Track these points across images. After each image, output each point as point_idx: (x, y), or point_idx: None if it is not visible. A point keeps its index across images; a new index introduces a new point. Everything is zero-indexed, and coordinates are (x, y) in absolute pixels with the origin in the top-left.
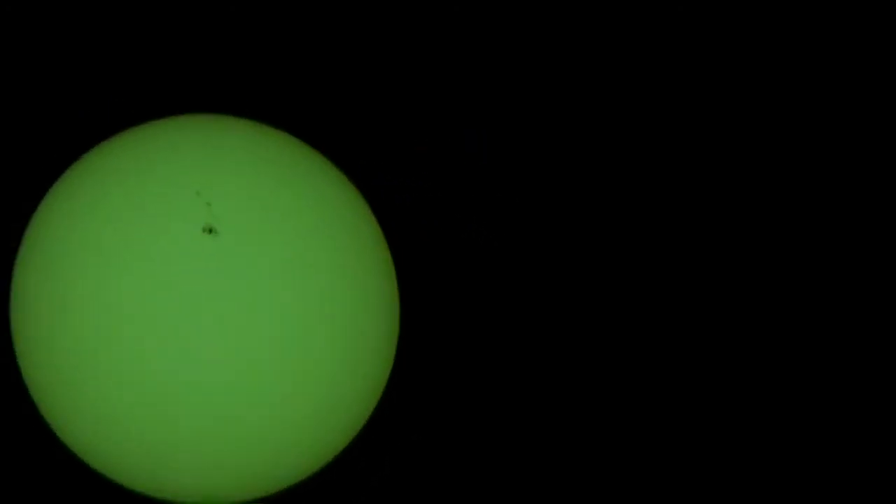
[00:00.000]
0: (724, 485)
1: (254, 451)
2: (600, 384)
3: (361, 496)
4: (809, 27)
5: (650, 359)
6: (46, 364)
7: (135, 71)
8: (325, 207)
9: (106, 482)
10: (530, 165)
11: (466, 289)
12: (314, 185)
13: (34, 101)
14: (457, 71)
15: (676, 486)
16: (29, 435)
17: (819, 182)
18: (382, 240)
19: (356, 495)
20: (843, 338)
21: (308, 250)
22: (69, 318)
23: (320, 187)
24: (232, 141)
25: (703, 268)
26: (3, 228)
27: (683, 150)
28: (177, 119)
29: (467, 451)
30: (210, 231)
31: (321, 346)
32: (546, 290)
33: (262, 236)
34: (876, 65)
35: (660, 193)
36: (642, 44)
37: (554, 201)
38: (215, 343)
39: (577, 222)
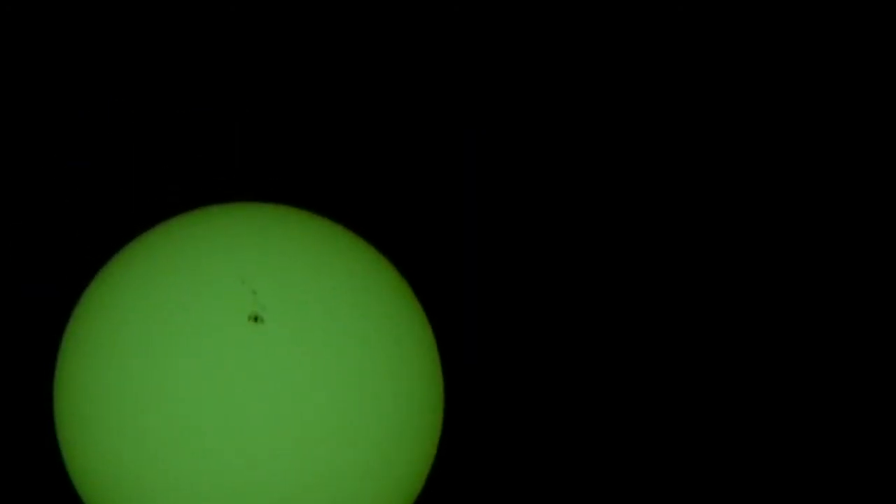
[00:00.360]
0: (754, 486)
1: None
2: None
3: None
4: (809, 27)
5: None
6: (91, 460)
7: (176, 159)
8: (368, 291)
9: None
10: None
11: (507, 367)
12: (356, 269)
13: (75, 187)
14: (498, 151)
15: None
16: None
17: (817, 182)
18: (424, 318)
19: None
20: (844, 338)
21: (353, 335)
22: (114, 413)
23: (363, 272)
24: (274, 228)
25: (700, 267)
26: (45, 320)
27: (682, 150)
28: (218, 208)
29: None
30: (256, 319)
31: (372, 431)
32: (593, 358)
33: (307, 322)
34: (876, 65)
35: (661, 194)
36: (641, 43)
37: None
38: (265, 433)
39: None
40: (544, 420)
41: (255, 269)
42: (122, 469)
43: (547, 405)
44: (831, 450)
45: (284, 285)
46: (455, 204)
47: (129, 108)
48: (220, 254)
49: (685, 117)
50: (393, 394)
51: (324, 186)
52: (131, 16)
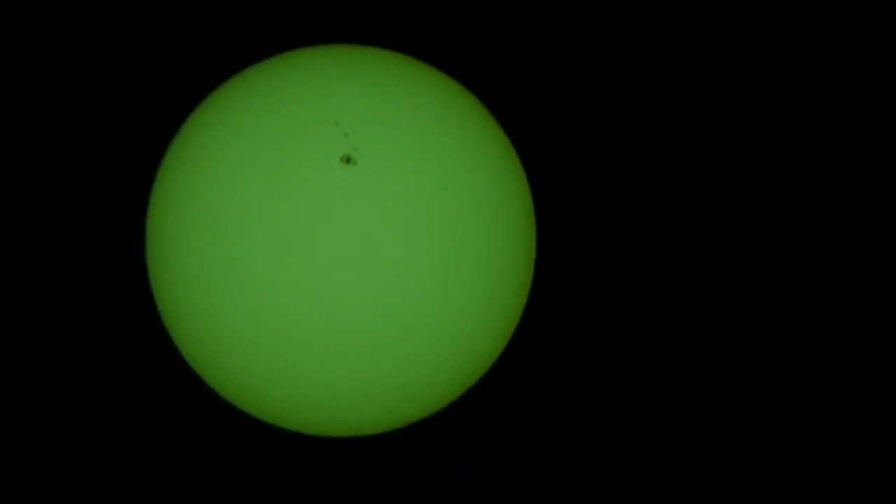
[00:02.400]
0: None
1: (389, 381)
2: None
3: (488, 432)
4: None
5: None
6: (183, 296)
7: (267, 1)
8: (465, 139)
9: (237, 412)
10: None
11: (605, 223)
12: (450, 111)
13: (165, 32)
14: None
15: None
16: (162, 362)
17: (815, 182)
18: (523, 177)
19: (482, 431)
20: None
21: (447, 177)
22: (207, 253)
23: (456, 114)
24: (367, 69)
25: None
26: (136, 164)
27: (680, 150)
28: (311, 49)
29: (600, 392)
30: (348, 160)
31: (462, 272)
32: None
33: (400, 164)
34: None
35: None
36: (640, 43)
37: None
38: (356, 272)
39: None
40: (635, 278)
41: (348, 111)
42: (216, 316)
43: (637, 266)
44: (854, 450)
45: (378, 126)
46: (558, 58)
47: None
48: (313, 95)
49: (681, 117)
50: (488, 238)
51: (422, 29)
52: None
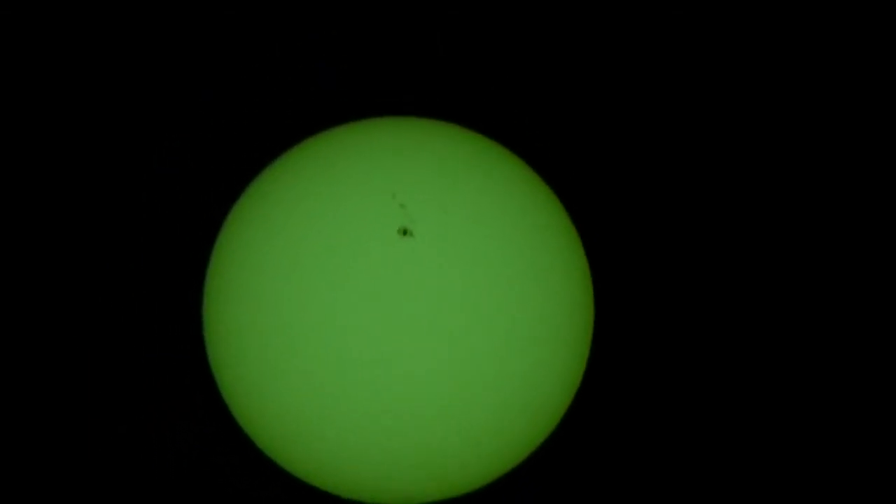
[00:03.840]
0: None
1: (447, 452)
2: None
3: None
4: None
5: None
6: (241, 370)
7: (324, 72)
8: (518, 206)
9: (298, 483)
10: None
11: (661, 295)
12: (507, 184)
13: (224, 103)
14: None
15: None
16: (222, 439)
17: (815, 182)
18: (577, 239)
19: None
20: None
21: (502, 250)
22: (265, 326)
23: (513, 186)
24: (423, 142)
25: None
26: (195, 235)
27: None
28: (369, 122)
29: (658, 459)
30: (405, 233)
31: (518, 346)
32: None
33: (456, 236)
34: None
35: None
36: (639, 43)
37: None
38: (413, 344)
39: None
40: (695, 335)
41: (404, 183)
42: (269, 380)
43: (698, 323)
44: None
45: (433, 198)
46: (605, 120)
47: (279, 21)
48: (370, 168)
49: (682, 116)
50: (543, 307)
51: (474, 100)
52: None
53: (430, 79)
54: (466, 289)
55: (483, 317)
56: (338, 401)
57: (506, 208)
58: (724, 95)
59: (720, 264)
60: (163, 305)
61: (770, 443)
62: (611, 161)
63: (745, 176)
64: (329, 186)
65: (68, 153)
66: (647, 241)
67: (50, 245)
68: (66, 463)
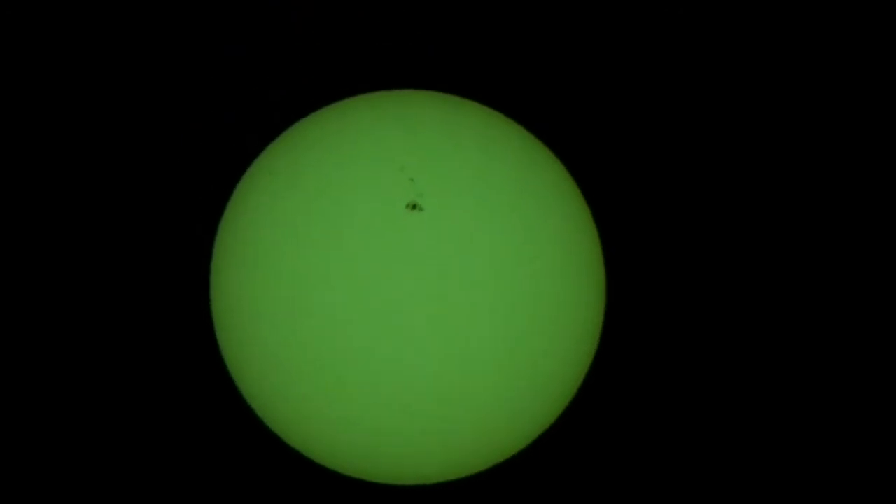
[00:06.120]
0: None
1: (461, 429)
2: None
3: (561, 479)
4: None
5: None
6: (249, 345)
7: (333, 45)
8: (530, 183)
9: (312, 465)
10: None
11: (674, 267)
12: (515, 155)
13: (233, 76)
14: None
15: None
16: (233, 422)
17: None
18: (590, 218)
19: (556, 478)
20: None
21: (512, 222)
22: (272, 299)
23: (521, 157)
24: (431, 114)
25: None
26: (203, 207)
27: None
28: (375, 95)
29: (670, 435)
30: (414, 207)
31: (529, 321)
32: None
33: (465, 210)
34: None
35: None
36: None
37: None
38: (422, 318)
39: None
40: (707, 326)
41: (413, 157)
42: (277, 357)
43: (710, 314)
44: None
45: (442, 172)
46: (619, 93)
47: None
48: (378, 141)
49: (682, 115)
50: (554, 285)
51: (482, 73)
52: None
53: (441, 53)
54: (476, 265)
55: (493, 295)
56: (349, 380)
57: (516, 184)
58: (742, 89)
59: (733, 255)
60: (169, 284)
61: (778, 440)
62: (625, 142)
63: (762, 173)
64: (337, 160)
65: (69, 139)
66: (660, 222)
67: (53, 232)
68: (82, 459)
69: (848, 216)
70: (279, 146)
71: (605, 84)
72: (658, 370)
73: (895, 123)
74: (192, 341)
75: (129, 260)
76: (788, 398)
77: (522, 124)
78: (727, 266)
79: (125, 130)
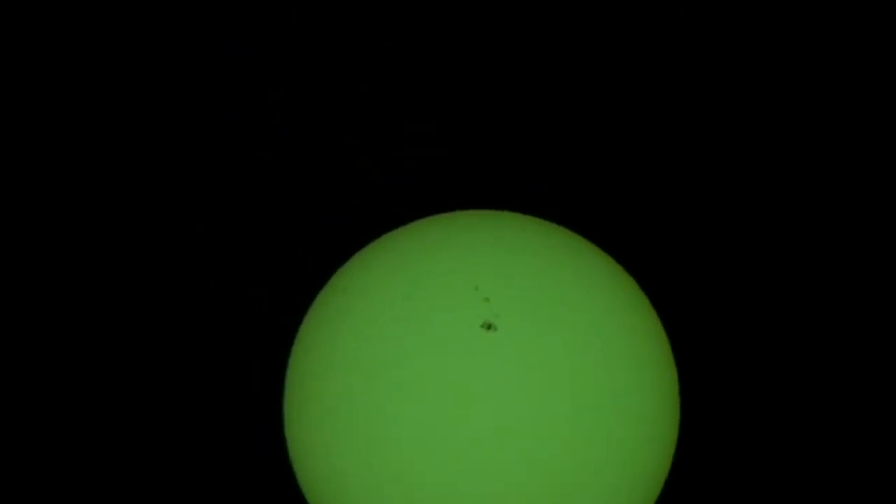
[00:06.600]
0: None
1: None
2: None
3: None
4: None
5: None
6: (323, 466)
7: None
8: (603, 300)
9: None
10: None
11: (748, 381)
12: (588, 273)
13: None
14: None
15: None
16: None
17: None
18: (662, 332)
19: None
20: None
21: (589, 345)
22: (346, 423)
23: (595, 275)
24: (506, 235)
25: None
26: (277, 327)
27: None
28: (449, 215)
29: None
30: (489, 327)
31: (607, 443)
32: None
33: (541, 331)
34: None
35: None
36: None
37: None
38: (500, 438)
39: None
40: (779, 430)
41: (488, 276)
42: (354, 480)
43: (782, 416)
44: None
45: (517, 292)
46: (688, 208)
47: (356, 116)
48: (453, 261)
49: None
50: (630, 402)
51: (554, 193)
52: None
53: (517, 174)
54: (552, 385)
55: (569, 415)
56: (420, 497)
57: (591, 301)
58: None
59: (808, 343)
60: (241, 401)
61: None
62: (702, 263)
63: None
64: (410, 281)
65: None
66: (731, 330)
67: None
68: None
69: None
70: (353, 265)
71: (682, 209)
72: (733, 481)
73: None
74: (263, 453)
75: (206, 377)
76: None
77: (597, 244)
78: (803, 375)
79: (125, 130)
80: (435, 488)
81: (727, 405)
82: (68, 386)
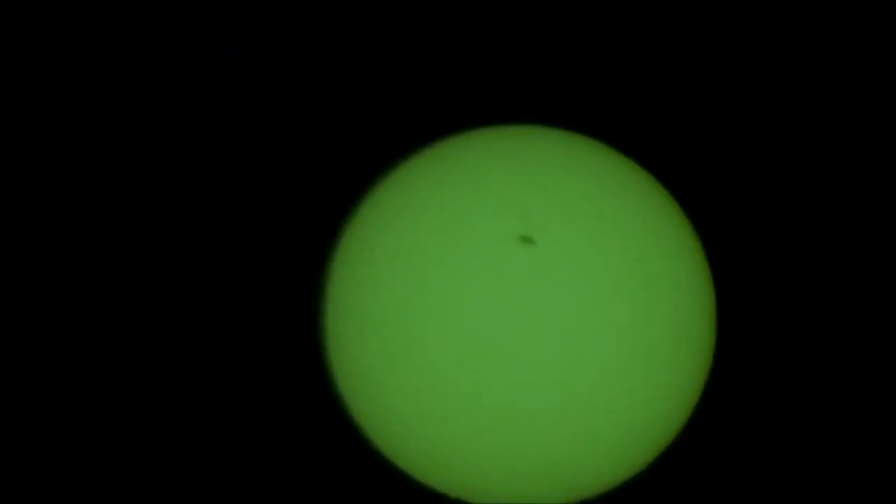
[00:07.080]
0: None
1: (569, 455)
2: None
3: None
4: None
5: None
6: (359, 373)
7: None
8: (640, 212)
9: (411, 484)
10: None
11: (785, 296)
12: (629, 190)
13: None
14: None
15: None
16: (339, 441)
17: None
18: (698, 244)
19: None
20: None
21: (626, 257)
22: (383, 331)
23: (635, 193)
24: (543, 150)
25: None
26: (314, 240)
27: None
28: (489, 130)
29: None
30: (526, 240)
31: (643, 356)
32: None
33: (579, 244)
34: None
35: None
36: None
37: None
38: (536, 354)
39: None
40: (813, 361)
41: (526, 190)
42: (389, 387)
43: (817, 347)
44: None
45: (556, 206)
46: (730, 129)
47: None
48: (492, 174)
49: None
50: (667, 316)
51: (597, 110)
52: None
53: (562, 89)
54: (590, 299)
55: (605, 326)
56: (461, 408)
57: (631, 219)
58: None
59: (846, 269)
60: (280, 312)
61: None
62: (745, 186)
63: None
64: (449, 194)
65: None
66: (770, 250)
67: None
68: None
69: None
70: (393, 179)
71: (727, 132)
72: (771, 391)
73: None
74: (302, 366)
75: (244, 297)
76: None
77: (641, 163)
78: (836, 287)
79: (125, 130)
80: (470, 399)
81: (762, 332)
82: (63, 372)
